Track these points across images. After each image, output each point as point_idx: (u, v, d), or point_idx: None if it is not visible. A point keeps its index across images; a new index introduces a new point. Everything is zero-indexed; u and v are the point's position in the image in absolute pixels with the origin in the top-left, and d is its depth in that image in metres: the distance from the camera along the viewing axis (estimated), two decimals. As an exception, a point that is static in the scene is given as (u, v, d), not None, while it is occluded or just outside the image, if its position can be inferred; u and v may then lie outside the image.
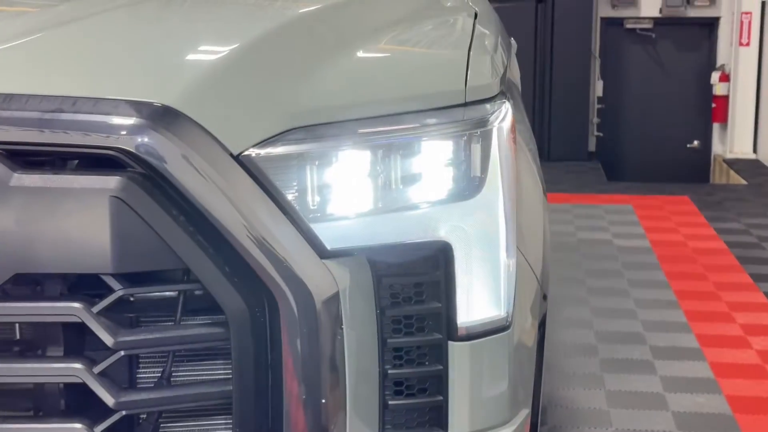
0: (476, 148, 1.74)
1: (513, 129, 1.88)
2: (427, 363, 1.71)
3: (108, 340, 1.52)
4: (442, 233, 1.69)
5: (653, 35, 9.74)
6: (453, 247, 1.69)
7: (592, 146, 9.97)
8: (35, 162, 1.52)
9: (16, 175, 1.48)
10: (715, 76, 9.70)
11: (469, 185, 1.73)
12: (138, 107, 1.52)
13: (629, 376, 4.15)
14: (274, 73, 1.72)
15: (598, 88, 9.99)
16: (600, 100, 9.99)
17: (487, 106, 1.81)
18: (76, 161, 1.53)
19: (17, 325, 1.60)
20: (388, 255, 1.68)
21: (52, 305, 1.53)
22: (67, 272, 1.54)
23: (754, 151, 9.67)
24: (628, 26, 9.79)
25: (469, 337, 1.71)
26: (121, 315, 1.57)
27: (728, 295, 5.20)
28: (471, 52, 1.90)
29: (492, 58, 1.99)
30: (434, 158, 1.71)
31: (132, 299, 1.60)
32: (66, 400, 1.60)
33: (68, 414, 1.59)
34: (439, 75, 1.84)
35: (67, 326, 1.57)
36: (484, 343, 1.72)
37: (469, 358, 1.71)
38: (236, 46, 1.77)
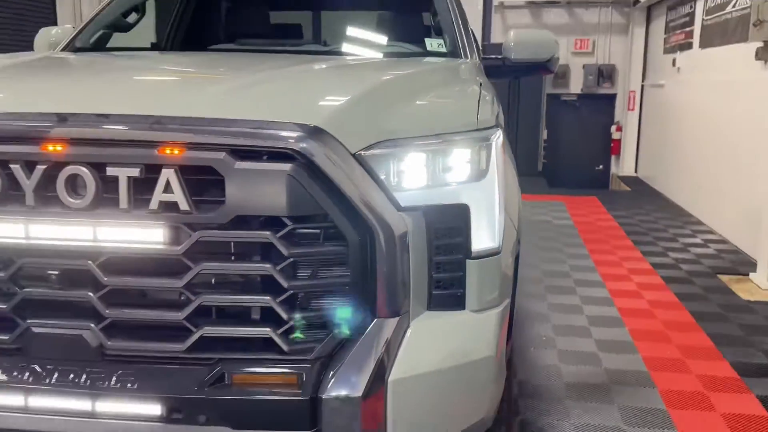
0: (483, 153, 1.75)
1: (503, 145, 1.88)
2: (454, 271, 1.71)
3: (284, 250, 1.57)
4: (464, 199, 1.70)
5: (577, 104, 9.58)
6: (469, 207, 1.70)
7: (540, 167, 9.87)
8: (245, 156, 1.56)
9: (237, 162, 1.54)
10: (613, 128, 9.53)
11: (479, 174, 1.74)
12: (301, 126, 1.56)
13: (558, 297, 3.97)
14: (374, 108, 1.73)
15: (544, 134, 9.88)
16: (545, 141, 9.88)
17: (489, 130, 1.81)
18: (267, 156, 1.56)
19: (232, 244, 1.61)
20: (435, 211, 1.68)
21: (254, 233, 1.58)
22: (264, 215, 1.57)
23: (635, 171, 9.50)
24: (563, 98, 9.65)
25: (478, 257, 1.71)
26: (291, 240, 1.61)
27: (620, 251, 5.16)
28: (480, 102, 1.90)
29: (491, 106, 1.98)
30: (460, 158, 1.72)
31: (296, 233, 1.62)
32: (260, 285, 1.64)
33: (259, 292, 1.62)
34: (462, 114, 1.84)
35: (258, 246, 1.60)
36: (486, 261, 1.72)
37: (477, 269, 1.72)
38: (354, 91, 1.78)
